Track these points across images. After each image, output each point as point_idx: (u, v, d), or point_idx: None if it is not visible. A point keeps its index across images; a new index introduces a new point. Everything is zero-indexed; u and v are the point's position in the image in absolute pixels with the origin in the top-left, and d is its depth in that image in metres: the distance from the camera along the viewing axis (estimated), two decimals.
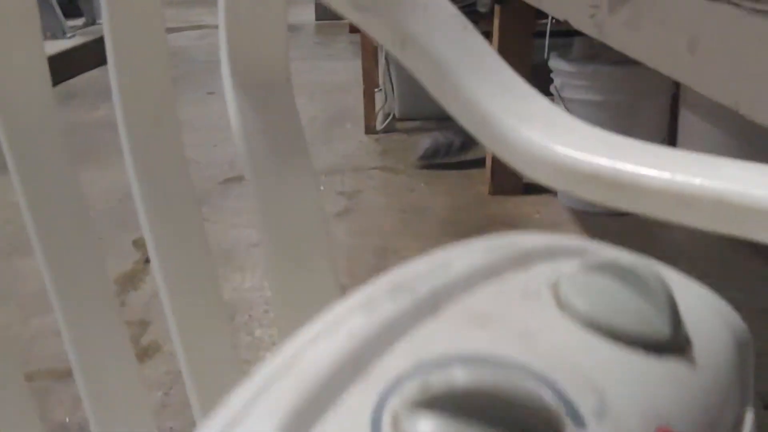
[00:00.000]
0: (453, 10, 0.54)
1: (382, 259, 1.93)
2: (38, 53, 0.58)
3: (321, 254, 0.47)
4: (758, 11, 0.67)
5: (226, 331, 0.64)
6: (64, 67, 3.85)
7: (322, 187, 2.40)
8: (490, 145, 0.52)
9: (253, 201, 0.50)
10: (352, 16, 0.51)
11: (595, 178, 0.47)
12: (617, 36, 1.06)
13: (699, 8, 0.78)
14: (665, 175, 0.45)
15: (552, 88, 2.16)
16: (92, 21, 4.80)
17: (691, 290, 0.31)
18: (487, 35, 2.86)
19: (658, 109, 2.04)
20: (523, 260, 0.29)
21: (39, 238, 0.64)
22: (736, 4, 0.70)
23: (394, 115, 2.96)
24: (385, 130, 2.91)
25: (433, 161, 2.47)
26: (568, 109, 2.07)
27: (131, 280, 1.84)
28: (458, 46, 0.52)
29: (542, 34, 2.31)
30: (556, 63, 2.11)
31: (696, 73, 0.81)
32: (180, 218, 0.60)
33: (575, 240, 0.34)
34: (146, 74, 0.55)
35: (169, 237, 0.59)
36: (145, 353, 1.54)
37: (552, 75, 2.16)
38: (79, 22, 4.77)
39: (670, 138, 2.08)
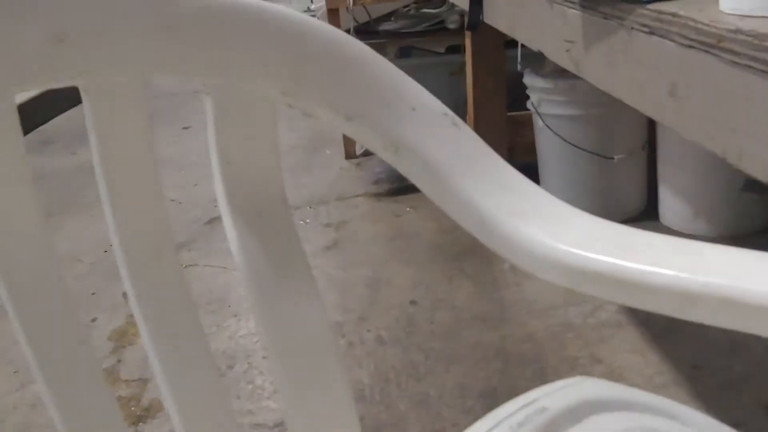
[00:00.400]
0: (441, 109, 0.54)
1: (375, 291, 1.93)
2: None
3: (331, 371, 0.47)
4: (737, 64, 0.67)
5: (218, 387, 0.62)
6: (36, 113, 3.83)
7: (308, 220, 2.40)
8: (492, 246, 0.52)
9: (257, 323, 0.50)
10: (345, 128, 0.51)
11: (599, 276, 0.47)
12: (595, 73, 1.07)
13: (677, 54, 0.79)
14: (669, 272, 0.46)
15: (529, 104, 2.17)
16: None
17: None
18: (459, 49, 2.87)
19: (636, 118, 2.05)
20: (574, 415, 0.29)
21: (13, 305, 0.61)
22: (716, 55, 0.70)
23: None
24: (365, 154, 2.91)
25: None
26: (547, 125, 2.08)
27: (125, 335, 1.83)
28: (450, 145, 0.53)
29: (514, 43, 2.32)
30: (531, 79, 2.12)
31: (679, 118, 0.81)
32: (161, 268, 0.58)
33: (631, 392, 0.35)
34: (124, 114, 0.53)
35: (151, 292, 0.57)
36: (146, 413, 1.53)
37: (527, 91, 2.16)
38: None
39: (650, 145, 2.09)
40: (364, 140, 0.52)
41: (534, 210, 0.52)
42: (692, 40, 0.75)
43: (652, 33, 0.84)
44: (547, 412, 0.31)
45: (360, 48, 0.52)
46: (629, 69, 0.93)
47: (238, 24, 0.48)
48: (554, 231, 0.50)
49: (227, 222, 0.48)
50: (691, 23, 0.75)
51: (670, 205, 2.04)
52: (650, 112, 0.89)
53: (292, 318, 0.47)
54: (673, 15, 0.79)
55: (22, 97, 3.51)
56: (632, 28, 0.89)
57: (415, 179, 0.52)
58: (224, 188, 0.50)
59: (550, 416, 0.30)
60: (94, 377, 0.64)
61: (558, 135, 2.06)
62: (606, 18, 0.98)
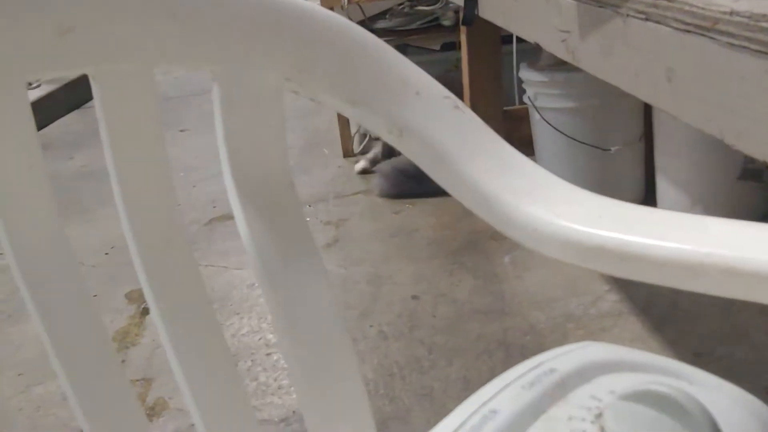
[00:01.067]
0: (443, 92, 0.55)
1: (376, 287, 1.94)
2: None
3: (342, 351, 0.48)
4: (733, 45, 0.68)
5: (235, 378, 0.62)
6: (35, 117, 3.82)
7: (308, 218, 2.40)
8: (496, 225, 0.52)
9: (267, 304, 0.50)
10: (349, 112, 0.52)
11: (601, 250, 0.48)
12: (591, 61, 1.08)
13: (673, 39, 0.79)
14: (671, 245, 0.46)
15: (525, 98, 2.18)
16: None
17: (724, 392, 0.32)
18: (454, 46, 2.88)
19: (633, 109, 2.06)
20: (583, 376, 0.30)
21: (34, 302, 0.61)
22: (711, 38, 0.71)
23: (369, 135, 2.97)
24: (363, 152, 2.92)
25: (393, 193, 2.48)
26: (543, 119, 2.09)
27: (128, 335, 1.84)
28: (452, 128, 0.53)
29: (510, 38, 2.33)
30: (526, 74, 2.13)
31: (677, 102, 0.82)
32: (175, 264, 0.58)
33: (638, 354, 0.35)
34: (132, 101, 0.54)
35: (167, 285, 0.58)
36: (152, 412, 1.54)
37: (523, 86, 2.17)
38: None
39: (647, 135, 2.10)
40: (368, 124, 0.52)
41: (537, 189, 0.53)
42: (688, 24, 0.76)
43: (647, 19, 0.85)
44: (556, 372, 0.31)
45: (363, 34, 0.52)
46: (625, 56, 0.94)
47: (242, 12, 0.48)
48: (558, 209, 0.51)
49: (236, 209, 0.49)
50: (687, 7, 0.76)
51: (667, 194, 2.05)
52: (647, 98, 0.90)
53: (301, 299, 0.47)
54: (669, 0, 0.80)
55: None
56: (628, 15, 0.90)
57: (419, 161, 0.52)
58: (232, 176, 0.51)
59: (560, 377, 0.31)
60: (112, 371, 0.64)
61: (555, 128, 2.07)
62: (601, 6, 0.99)
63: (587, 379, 0.31)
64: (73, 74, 0.44)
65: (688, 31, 0.76)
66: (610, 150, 2.04)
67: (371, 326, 1.76)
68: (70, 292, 0.64)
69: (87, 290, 0.63)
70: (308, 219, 2.41)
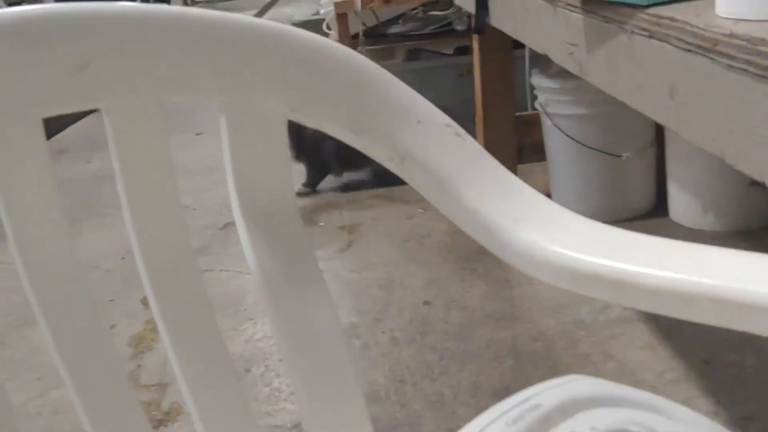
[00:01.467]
0: (445, 120, 0.57)
1: (388, 292, 1.96)
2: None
3: (343, 372, 0.49)
4: (733, 67, 0.69)
5: (237, 389, 0.64)
6: (51, 122, 3.87)
7: (322, 223, 2.42)
8: (494, 250, 0.54)
9: (271, 325, 0.52)
10: (352, 141, 0.54)
11: (596, 278, 0.49)
12: (598, 75, 1.09)
13: (676, 57, 0.81)
14: (663, 273, 0.48)
15: (537, 105, 2.19)
16: None
17: (701, 427, 0.34)
18: (467, 50, 2.89)
19: (644, 116, 2.06)
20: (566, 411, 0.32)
21: (42, 311, 0.62)
22: (712, 59, 0.72)
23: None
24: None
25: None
26: (555, 125, 2.10)
27: (144, 340, 1.86)
28: (453, 155, 0.55)
29: (522, 43, 2.34)
30: (538, 80, 2.14)
31: (679, 119, 0.83)
32: (179, 272, 0.59)
33: (622, 390, 0.37)
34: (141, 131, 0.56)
35: (171, 296, 0.60)
36: (167, 417, 1.56)
37: (535, 92, 2.18)
38: None
39: (658, 142, 2.11)
40: (370, 151, 0.54)
41: (534, 215, 0.54)
42: (689, 44, 0.77)
43: (651, 37, 0.86)
44: (540, 408, 0.33)
45: (366, 64, 0.54)
46: (630, 71, 0.95)
47: (248, 45, 0.50)
48: (554, 235, 0.52)
49: (241, 230, 0.51)
50: (688, 27, 0.77)
51: (679, 201, 2.06)
52: (651, 114, 0.91)
53: (305, 321, 0.49)
54: (671, 19, 0.81)
55: None
56: (632, 32, 0.91)
57: (419, 188, 0.54)
58: (238, 198, 0.53)
59: (543, 413, 0.32)
60: (118, 380, 0.66)
61: (566, 134, 2.08)
62: (607, 22, 1.00)
63: (570, 415, 0.32)
64: (86, 108, 0.46)
65: (690, 51, 0.77)
66: (621, 156, 2.05)
67: (383, 332, 1.78)
68: (78, 302, 0.65)
69: (95, 299, 0.64)
70: (322, 224, 2.43)
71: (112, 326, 1.93)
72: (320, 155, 2.56)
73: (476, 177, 0.55)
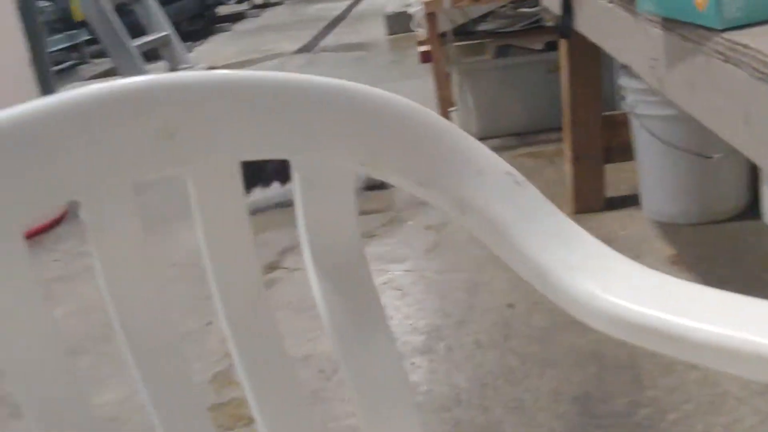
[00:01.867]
0: (505, 168, 0.60)
1: (472, 294, 1.99)
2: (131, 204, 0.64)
3: (408, 420, 0.53)
4: None
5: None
6: None
7: (410, 222, 2.46)
8: (551, 297, 0.57)
9: (342, 374, 0.56)
10: (416, 192, 0.57)
11: (645, 329, 0.51)
12: (676, 93, 1.09)
13: (749, 84, 0.81)
14: (711, 328, 0.49)
15: (625, 105, 2.17)
16: (173, 68, 4.97)
17: None
18: (556, 46, 2.87)
19: None
20: None
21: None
22: None
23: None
24: None
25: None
26: (643, 126, 2.08)
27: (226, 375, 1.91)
28: (512, 203, 0.58)
29: None
30: (625, 81, 2.12)
31: (753, 145, 0.83)
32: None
33: None
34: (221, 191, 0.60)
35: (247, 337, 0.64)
36: None
37: (623, 93, 2.16)
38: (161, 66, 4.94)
39: None
40: (433, 201, 0.57)
41: (592, 263, 0.56)
42: (762, 72, 0.77)
43: (726, 61, 0.86)
44: None
45: (431, 118, 0.57)
46: (707, 93, 0.95)
47: (318, 103, 0.54)
48: (609, 284, 0.54)
49: (312, 277, 0.55)
50: (761, 56, 0.77)
51: None
52: (728, 138, 0.91)
53: (371, 368, 0.53)
54: (745, 46, 0.81)
55: None
56: (709, 54, 0.91)
57: (480, 235, 0.57)
58: (309, 247, 0.57)
59: None
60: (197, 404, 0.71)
61: (655, 135, 2.05)
62: (685, 40, 1.00)
63: None
64: (169, 176, 0.51)
65: (762, 80, 0.77)
66: (712, 158, 2.01)
67: (467, 335, 1.81)
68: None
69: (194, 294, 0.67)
70: (410, 223, 2.47)
71: (209, 323, 2.01)
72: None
73: (535, 226, 0.57)
